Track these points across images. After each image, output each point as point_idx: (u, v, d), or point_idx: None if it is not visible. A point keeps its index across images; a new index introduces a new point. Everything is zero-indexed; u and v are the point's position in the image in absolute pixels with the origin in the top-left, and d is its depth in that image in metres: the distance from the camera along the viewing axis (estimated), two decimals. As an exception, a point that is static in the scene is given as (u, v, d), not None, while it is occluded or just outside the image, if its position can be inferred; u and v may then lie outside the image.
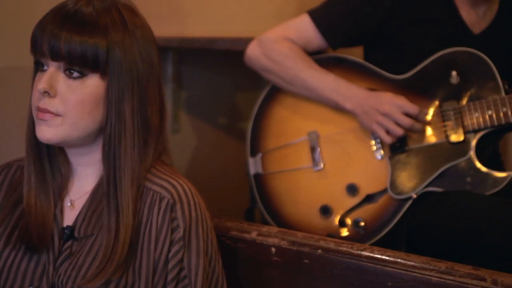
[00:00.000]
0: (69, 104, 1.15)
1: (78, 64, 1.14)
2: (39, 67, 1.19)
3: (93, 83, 1.16)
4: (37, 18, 1.18)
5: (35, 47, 1.16)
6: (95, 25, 1.15)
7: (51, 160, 1.23)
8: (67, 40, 1.13)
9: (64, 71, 1.15)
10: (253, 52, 1.82)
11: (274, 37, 1.80)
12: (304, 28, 1.80)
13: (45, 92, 1.14)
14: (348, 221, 1.71)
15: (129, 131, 1.18)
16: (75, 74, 1.15)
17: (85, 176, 1.24)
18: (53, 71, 1.15)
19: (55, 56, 1.14)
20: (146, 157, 1.20)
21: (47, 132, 1.16)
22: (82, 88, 1.15)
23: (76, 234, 1.20)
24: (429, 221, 1.63)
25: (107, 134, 1.18)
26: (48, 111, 1.15)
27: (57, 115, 1.15)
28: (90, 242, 1.18)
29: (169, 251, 1.17)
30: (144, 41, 1.20)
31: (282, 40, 1.79)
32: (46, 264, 1.18)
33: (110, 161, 1.17)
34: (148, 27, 1.23)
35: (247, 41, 1.88)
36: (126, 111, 1.17)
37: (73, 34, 1.13)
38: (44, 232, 1.19)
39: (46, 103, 1.15)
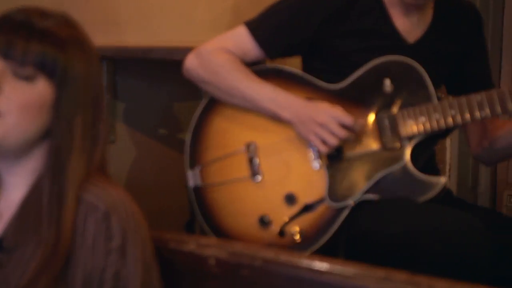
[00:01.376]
0: (12, 104, 1.12)
1: (33, 66, 1.12)
2: None
3: (42, 89, 1.14)
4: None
5: None
6: (53, 36, 1.14)
7: None
8: (25, 46, 1.11)
9: (13, 71, 1.12)
10: (191, 64, 1.81)
11: (212, 49, 1.80)
12: (241, 39, 1.80)
13: None
14: (287, 231, 1.71)
15: (78, 145, 1.16)
16: (24, 76, 1.12)
17: (15, 186, 1.20)
18: (0, 68, 1.12)
19: (8, 56, 1.11)
20: (90, 169, 1.18)
21: None
22: (29, 90, 1.13)
23: (4, 245, 1.16)
24: (366, 229, 1.64)
25: (53, 146, 1.15)
26: None
27: None
28: (19, 254, 1.15)
29: (105, 261, 1.15)
30: (95, 55, 1.21)
31: (220, 51, 1.79)
32: None
33: (55, 174, 1.15)
34: (91, 41, 1.23)
35: (183, 50, 1.86)
36: (79, 125, 1.16)
37: (33, 40, 1.12)
38: None
39: None
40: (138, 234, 1.19)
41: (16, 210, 1.18)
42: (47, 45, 1.13)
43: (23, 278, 1.12)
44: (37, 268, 1.11)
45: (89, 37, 1.22)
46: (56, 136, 1.16)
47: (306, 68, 1.85)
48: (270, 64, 1.84)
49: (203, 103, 1.85)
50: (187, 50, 1.84)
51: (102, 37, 2.09)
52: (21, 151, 1.17)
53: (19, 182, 1.20)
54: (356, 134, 1.69)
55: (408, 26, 1.76)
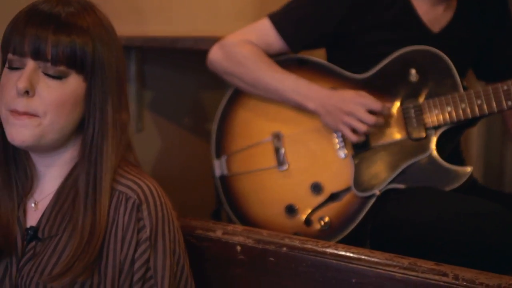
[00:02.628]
0: (48, 104, 1.13)
1: (65, 64, 1.13)
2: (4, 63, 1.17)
3: (74, 83, 1.15)
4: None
5: (12, 47, 1.14)
6: (80, 25, 1.14)
7: (16, 163, 1.22)
8: (55, 41, 1.12)
9: (45, 70, 1.13)
10: (215, 55, 1.83)
11: (236, 41, 1.81)
12: (264, 32, 1.81)
13: (25, 91, 1.12)
14: (314, 219, 1.72)
15: (111, 132, 1.18)
16: (57, 75, 1.13)
17: (50, 177, 1.23)
18: (32, 69, 1.13)
19: (39, 56, 1.12)
20: (119, 156, 1.20)
21: (21, 134, 1.13)
22: (62, 88, 1.14)
23: (39, 234, 1.19)
24: (392, 218, 1.65)
25: (88, 136, 1.17)
26: (26, 113, 1.12)
27: (34, 115, 1.13)
28: (54, 242, 1.17)
29: (135, 251, 1.17)
30: (117, 42, 1.21)
31: (244, 43, 1.80)
32: (8, 266, 1.17)
33: (90, 163, 1.17)
34: (114, 28, 1.23)
35: (209, 40, 1.88)
36: (109, 112, 1.18)
37: (61, 35, 1.12)
38: (9, 235, 1.18)
39: (24, 105, 1.12)
40: (168, 224, 1.21)
41: (52, 200, 1.21)
42: (75, 38, 1.13)
43: (58, 266, 1.14)
44: (72, 256, 1.13)
45: (110, 19, 1.22)
46: (90, 126, 1.17)
47: (330, 59, 1.85)
48: (294, 55, 1.85)
49: (228, 94, 1.87)
50: (213, 40, 1.86)
51: (130, 27, 2.12)
52: (58, 145, 1.20)
53: (55, 173, 1.22)
54: (384, 121, 1.69)
55: (433, 15, 1.75)
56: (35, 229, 1.19)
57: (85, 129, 1.18)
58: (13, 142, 1.15)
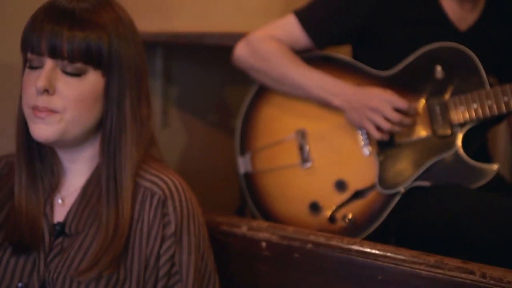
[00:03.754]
0: (68, 101, 1.14)
1: (82, 61, 1.14)
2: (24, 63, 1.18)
3: (93, 79, 1.16)
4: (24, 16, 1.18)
5: (30, 46, 1.15)
6: (94, 20, 1.15)
7: (42, 159, 1.23)
8: (70, 38, 1.12)
9: (63, 68, 1.14)
10: (241, 52, 1.83)
11: (262, 37, 1.81)
12: (290, 28, 1.81)
13: (44, 90, 1.13)
14: (338, 217, 1.72)
15: (129, 126, 1.18)
16: (75, 72, 1.14)
17: (76, 173, 1.24)
18: (50, 68, 1.14)
19: (56, 54, 1.13)
20: (141, 150, 1.21)
21: (44, 131, 1.15)
22: (81, 85, 1.15)
23: (67, 230, 1.20)
24: (418, 215, 1.64)
25: (107, 130, 1.18)
26: (47, 109, 1.13)
27: (55, 112, 1.14)
28: (81, 238, 1.18)
29: (160, 247, 1.18)
30: (136, 36, 1.22)
31: (270, 39, 1.80)
32: (36, 261, 1.19)
33: (110, 157, 1.18)
34: (134, 23, 1.24)
35: (235, 36, 1.88)
36: (127, 106, 1.18)
37: (76, 31, 1.13)
38: (35, 232, 1.19)
39: (45, 101, 1.14)
40: (193, 220, 1.21)
41: (78, 196, 1.22)
42: (89, 34, 1.14)
43: (85, 261, 1.15)
44: (98, 251, 1.14)
45: (127, 13, 1.23)
46: (108, 120, 1.18)
47: (355, 56, 1.84)
48: (319, 52, 1.84)
49: (253, 90, 1.87)
50: (239, 36, 1.86)
51: (156, 23, 2.13)
52: (81, 140, 1.21)
53: (81, 169, 1.23)
54: (409, 119, 1.68)
55: (460, 14, 1.74)
56: (62, 224, 1.20)
57: (104, 123, 1.19)
58: (37, 139, 1.16)
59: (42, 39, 1.13)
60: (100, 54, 1.15)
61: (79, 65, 1.14)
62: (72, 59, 1.14)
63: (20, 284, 1.17)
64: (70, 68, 1.14)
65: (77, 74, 1.15)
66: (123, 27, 1.19)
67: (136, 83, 1.20)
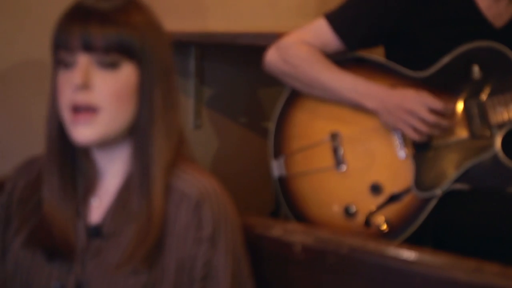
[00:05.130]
0: (106, 97, 1.14)
1: (116, 51, 1.14)
2: (56, 64, 1.18)
3: (127, 72, 1.16)
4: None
5: (62, 43, 1.15)
6: (124, 17, 1.16)
7: (75, 162, 1.23)
8: (102, 30, 1.13)
9: (98, 62, 1.15)
10: (271, 57, 1.82)
11: (292, 42, 1.80)
12: (321, 31, 1.80)
13: (83, 85, 1.13)
14: (373, 221, 1.70)
15: (161, 119, 1.18)
16: (110, 63, 1.14)
17: (112, 174, 1.24)
18: (85, 64, 1.14)
19: (90, 47, 1.13)
20: (173, 145, 1.20)
21: (86, 132, 1.14)
22: (116, 78, 1.15)
23: (104, 231, 1.20)
24: (455, 219, 1.61)
25: (138, 123, 1.18)
26: (87, 105, 1.13)
27: (94, 110, 1.14)
28: (117, 238, 1.18)
29: (197, 250, 1.17)
30: (164, 35, 1.23)
31: (300, 44, 1.79)
32: (73, 264, 1.18)
33: (140, 150, 1.18)
34: (159, 21, 1.25)
35: (269, 36, 1.88)
36: (158, 99, 1.18)
37: (107, 25, 1.14)
38: (68, 236, 1.19)
39: (84, 97, 1.14)
40: (229, 223, 1.20)
41: (114, 197, 1.22)
42: (120, 26, 1.14)
43: (119, 262, 1.15)
44: (133, 245, 1.14)
45: (151, 9, 1.24)
46: (140, 113, 1.18)
47: (388, 57, 1.82)
48: (351, 54, 1.83)
49: (285, 95, 1.86)
50: (273, 36, 1.86)
51: (190, 23, 2.14)
52: (119, 139, 1.21)
53: (117, 169, 1.23)
54: (445, 121, 1.65)
55: (495, 10, 1.71)
56: (99, 226, 1.20)
57: (136, 116, 1.18)
58: (79, 143, 1.16)
59: (73, 35, 1.14)
60: (133, 46, 1.16)
61: (114, 55, 1.14)
62: (107, 49, 1.14)
63: (56, 284, 1.17)
64: (105, 58, 1.14)
65: (112, 65, 1.15)
66: (151, 25, 1.20)
67: (166, 79, 1.20)
